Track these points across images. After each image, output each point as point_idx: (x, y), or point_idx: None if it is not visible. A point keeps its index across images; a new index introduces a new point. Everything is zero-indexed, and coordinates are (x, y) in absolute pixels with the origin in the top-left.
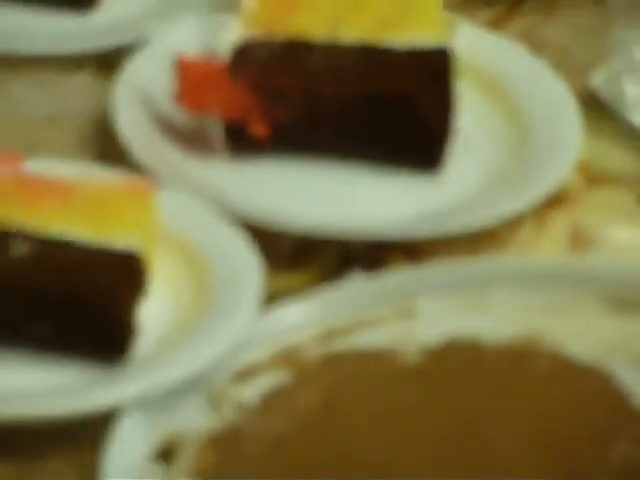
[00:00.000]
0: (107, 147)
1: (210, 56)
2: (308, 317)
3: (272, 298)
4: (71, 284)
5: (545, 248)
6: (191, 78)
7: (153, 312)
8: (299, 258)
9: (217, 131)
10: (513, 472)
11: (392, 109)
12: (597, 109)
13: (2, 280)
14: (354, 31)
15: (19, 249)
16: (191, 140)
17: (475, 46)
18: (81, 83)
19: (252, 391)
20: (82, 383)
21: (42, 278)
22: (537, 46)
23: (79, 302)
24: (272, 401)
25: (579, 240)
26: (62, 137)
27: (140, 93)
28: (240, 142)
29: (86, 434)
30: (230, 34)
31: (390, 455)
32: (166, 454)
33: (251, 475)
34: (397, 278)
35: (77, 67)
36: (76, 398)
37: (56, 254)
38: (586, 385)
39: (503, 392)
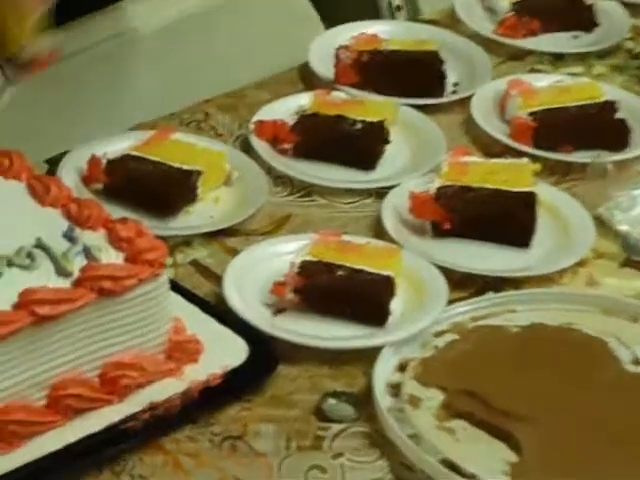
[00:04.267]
0: (379, 231)
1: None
2: (464, 311)
3: (450, 302)
4: (362, 288)
5: (575, 286)
6: (419, 203)
7: (397, 303)
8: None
9: (425, 227)
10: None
11: (507, 219)
12: (601, 225)
13: (328, 286)
14: (492, 184)
15: (336, 273)
16: (417, 228)
17: (545, 192)
18: (366, 205)
19: (441, 341)
20: (364, 334)
21: (346, 283)
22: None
23: (365, 296)
24: (449, 345)
25: (590, 282)
26: (359, 227)
27: (397, 210)
28: (436, 233)
29: (366, 357)
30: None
31: (500, 370)
32: (402, 368)
33: (438, 376)
34: (507, 295)
35: (366, 196)
36: (363, 340)
37: (354, 275)
38: (592, 342)
39: (552, 349)
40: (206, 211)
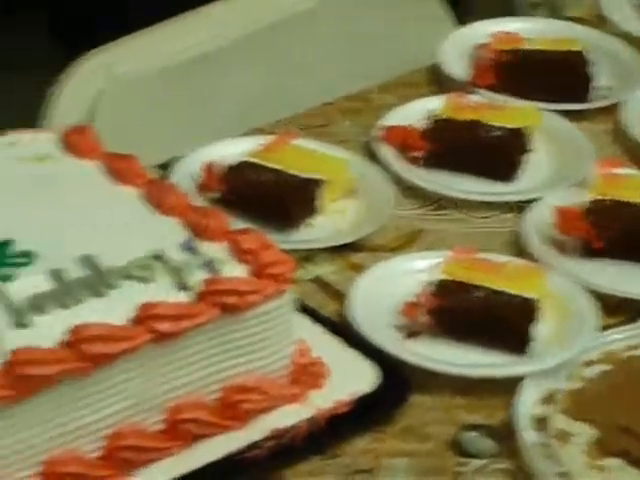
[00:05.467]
0: (520, 249)
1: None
2: (618, 339)
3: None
4: (502, 312)
5: None
6: (567, 219)
7: (541, 329)
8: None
9: (573, 245)
10: None
11: None
12: None
13: (466, 309)
14: None
15: (473, 294)
16: (563, 247)
17: None
18: (505, 220)
19: (591, 372)
20: (505, 362)
21: (485, 305)
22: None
23: (505, 321)
24: (600, 376)
25: None
26: (497, 244)
27: (540, 226)
28: (585, 252)
29: (505, 387)
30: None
31: None
32: (547, 400)
33: (589, 410)
34: None
35: (506, 210)
36: (504, 369)
37: (494, 297)
38: None
39: None
40: (329, 223)
